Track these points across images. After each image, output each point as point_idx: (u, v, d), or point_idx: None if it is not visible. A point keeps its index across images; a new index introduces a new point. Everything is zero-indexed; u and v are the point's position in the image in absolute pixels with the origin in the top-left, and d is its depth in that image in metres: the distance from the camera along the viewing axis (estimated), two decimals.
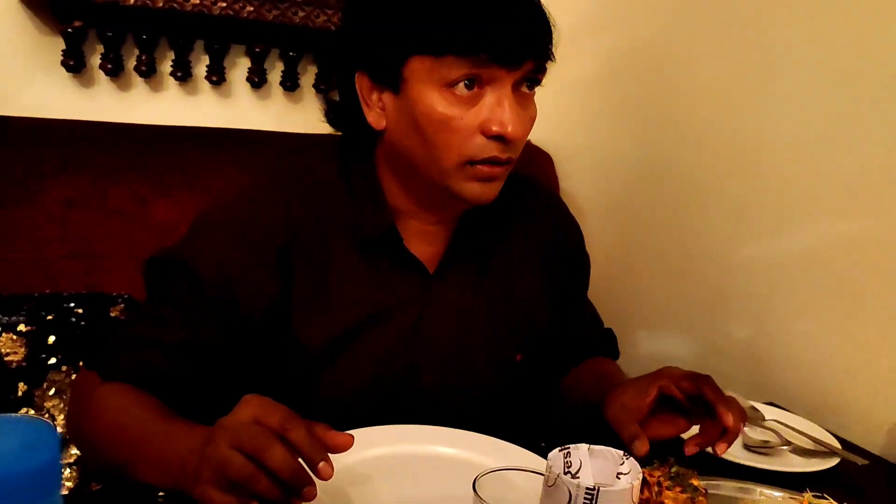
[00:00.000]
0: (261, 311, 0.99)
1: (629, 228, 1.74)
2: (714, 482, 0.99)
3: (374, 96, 0.98)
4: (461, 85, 0.92)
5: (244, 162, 1.45)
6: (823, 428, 1.22)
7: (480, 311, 1.10)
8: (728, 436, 0.94)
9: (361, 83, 0.98)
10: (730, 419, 0.93)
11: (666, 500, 0.87)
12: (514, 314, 1.13)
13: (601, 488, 0.68)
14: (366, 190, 1.04)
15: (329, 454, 0.76)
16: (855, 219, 1.30)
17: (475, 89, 0.93)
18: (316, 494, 0.76)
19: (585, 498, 0.68)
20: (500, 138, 0.94)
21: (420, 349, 1.06)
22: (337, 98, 1.06)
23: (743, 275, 1.49)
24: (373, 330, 1.03)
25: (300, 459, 0.75)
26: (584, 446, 0.75)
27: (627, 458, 0.74)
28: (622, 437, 0.97)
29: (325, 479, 0.76)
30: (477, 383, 1.10)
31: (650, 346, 1.64)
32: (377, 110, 0.99)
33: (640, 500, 0.91)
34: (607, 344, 1.30)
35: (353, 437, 0.79)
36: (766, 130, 1.44)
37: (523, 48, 0.93)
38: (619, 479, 0.74)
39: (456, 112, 0.93)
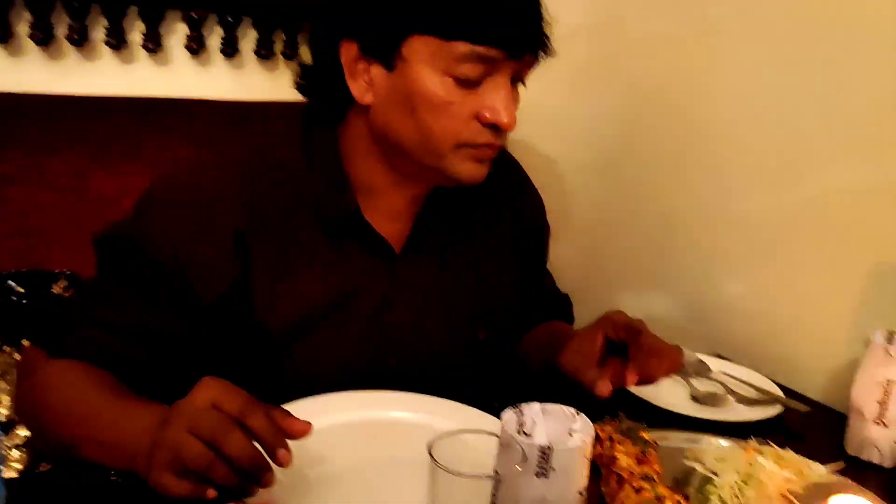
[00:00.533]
0: (218, 295, 0.96)
1: (573, 187, 1.75)
2: (663, 434, 1.02)
3: (361, 67, 0.94)
4: (464, 71, 0.90)
5: (185, 132, 1.41)
6: (767, 377, 1.26)
7: (445, 289, 1.09)
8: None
9: (348, 52, 0.94)
10: (630, 382, 0.98)
11: (617, 454, 0.89)
12: (479, 291, 1.12)
13: (554, 446, 0.69)
14: (328, 170, 1.00)
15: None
16: (794, 180, 1.33)
17: (476, 76, 0.91)
18: (274, 481, 0.76)
19: (539, 456, 0.70)
20: (494, 127, 0.93)
21: (386, 331, 1.05)
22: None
23: (688, 233, 1.52)
24: (338, 313, 1.02)
25: (258, 445, 0.74)
26: (536, 405, 0.76)
27: (579, 416, 0.75)
28: (583, 382, 1.00)
29: (284, 467, 0.76)
30: (440, 362, 1.09)
31: (599, 302, 1.66)
32: (363, 83, 0.95)
33: (593, 455, 0.93)
34: (563, 309, 1.31)
35: (311, 424, 0.79)
36: (711, 94, 1.45)
37: (532, 42, 0.93)
38: (571, 436, 0.75)
39: (455, 97, 0.91)
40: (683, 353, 1.07)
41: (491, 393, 1.07)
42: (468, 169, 0.96)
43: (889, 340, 1.08)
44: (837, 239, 1.28)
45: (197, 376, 0.78)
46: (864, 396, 1.08)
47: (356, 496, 0.86)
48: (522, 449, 0.69)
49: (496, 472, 0.71)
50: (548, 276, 1.32)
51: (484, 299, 1.13)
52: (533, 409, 0.76)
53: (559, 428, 0.76)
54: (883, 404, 1.06)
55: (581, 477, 0.71)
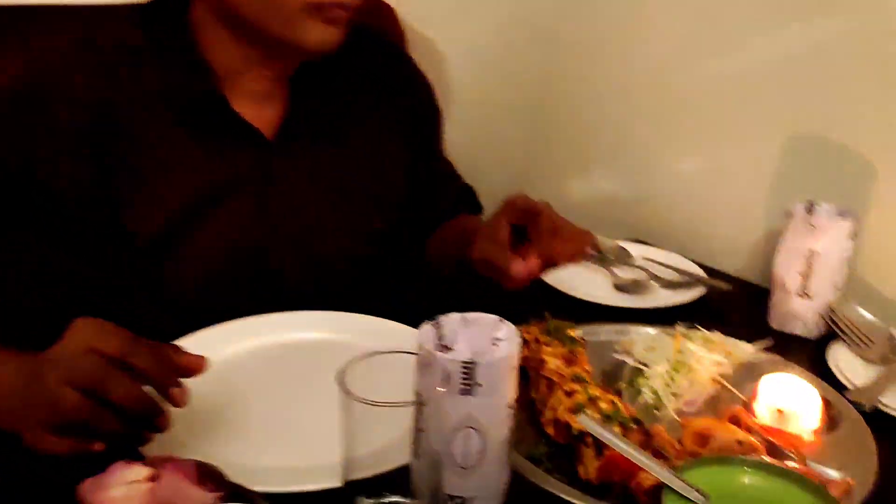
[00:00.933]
0: (74, 203, 0.88)
1: (486, 77, 1.65)
2: (590, 329, 0.98)
3: None
4: None
5: (25, 43, 1.25)
6: (688, 259, 1.23)
7: (330, 178, 1.02)
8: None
9: None
10: (533, 264, 0.92)
11: (545, 357, 0.84)
12: (368, 179, 1.06)
13: (478, 360, 0.63)
14: (179, 51, 0.92)
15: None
16: (708, 55, 1.28)
17: None
18: (170, 424, 0.69)
19: (462, 373, 0.63)
20: None
21: (267, 228, 0.98)
22: None
23: (601, 117, 1.45)
24: (210, 212, 0.94)
25: (149, 387, 0.67)
26: (455, 315, 0.69)
27: (503, 323, 0.69)
28: (498, 268, 0.94)
29: (179, 406, 0.69)
30: (335, 258, 1.03)
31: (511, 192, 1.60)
32: None
33: (519, 360, 0.88)
34: (468, 200, 1.25)
35: (205, 357, 0.71)
36: None
37: None
38: (496, 345, 0.69)
39: None
40: (596, 238, 1.02)
41: (397, 297, 1.02)
42: (319, 33, 0.89)
43: (809, 211, 1.05)
44: (753, 112, 1.23)
45: (69, 314, 0.69)
46: (787, 269, 1.06)
47: (268, 430, 0.79)
48: (443, 366, 0.63)
49: (417, 394, 0.65)
50: (447, 165, 1.26)
51: (374, 185, 1.07)
52: (452, 320, 0.69)
53: (482, 338, 0.69)
54: (805, 276, 1.04)
55: (510, 389, 0.66)
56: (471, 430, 0.65)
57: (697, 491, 0.58)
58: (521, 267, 0.91)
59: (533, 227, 0.94)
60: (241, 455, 0.74)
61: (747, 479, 0.61)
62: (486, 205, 1.30)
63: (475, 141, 1.61)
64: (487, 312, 0.70)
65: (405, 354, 0.67)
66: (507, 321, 0.69)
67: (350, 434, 0.64)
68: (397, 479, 0.65)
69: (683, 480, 0.58)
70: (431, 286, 1.12)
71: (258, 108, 0.96)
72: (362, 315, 0.96)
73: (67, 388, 0.64)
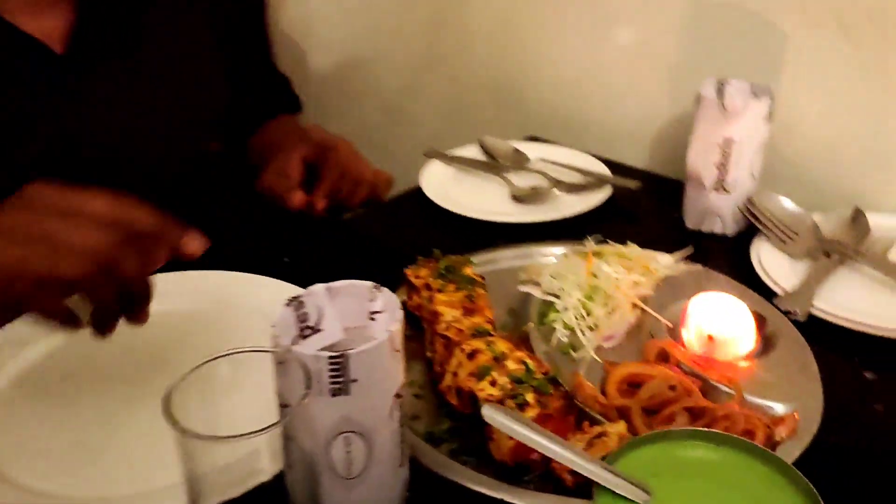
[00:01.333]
0: None
1: None
2: (488, 256, 0.85)
3: None
4: None
5: None
6: (590, 155, 1.10)
7: (139, 93, 0.87)
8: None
9: None
10: (319, 204, 0.88)
11: (438, 307, 0.70)
12: (185, 89, 0.91)
13: (349, 353, 0.48)
14: None
15: None
16: None
17: None
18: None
19: (331, 370, 0.49)
20: None
21: (72, 161, 0.82)
22: None
23: (483, 7, 1.27)
24: (3, 150, 0.78)
25: None
26: (319, 288, 0.54)
27: (380, 291, 0.54)
28: (281, 202, 0.89)
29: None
30: (161, 190, 0.87)
31: (388, 101, 1.42)
32: None
33: (411, 306, 0.74)
34: (286, 95, 1.14)
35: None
36: None
37: None
38: (373, 320, 0.54)
39: None
40: (392, 180, 0.96)
41: (249, 244, 0.90)
42: None
43: (720, 92, 0.93)
44: None
45: None
46: (701, 161, 0.94)
47: (101, 446, 0.63)
48: (305, 365, 0.48)
49: (279, 396, 0.50)
50: (267, 62, 1.15)
51: (192, 96, 0.92)
52: (315, 295, 0.54)
53: (355, 312, 0.55)
54: (722, 167, 0.93)
55: (393, 377, 0.52)
56: (351, 434, 0.52)
57: (636, 486, 0.47)
58: (299, 200, 0.87)
59: (324, 164, 0.91)
60: (66, 485, 0.59)
61: (692, 453, 0.50)
62: (369, 111, 1.16)
63: (356, 41, 1.42)
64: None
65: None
66: (383, 288, 0.54)
67: (191, 460, 0.49)
68: (271, 491, 0.52)
69: (619, 475, 0.47)
70: (290, 227, 0.97)
71: (40, 19, 0.80)
72: (217, 272, 0.79)
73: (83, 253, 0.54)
